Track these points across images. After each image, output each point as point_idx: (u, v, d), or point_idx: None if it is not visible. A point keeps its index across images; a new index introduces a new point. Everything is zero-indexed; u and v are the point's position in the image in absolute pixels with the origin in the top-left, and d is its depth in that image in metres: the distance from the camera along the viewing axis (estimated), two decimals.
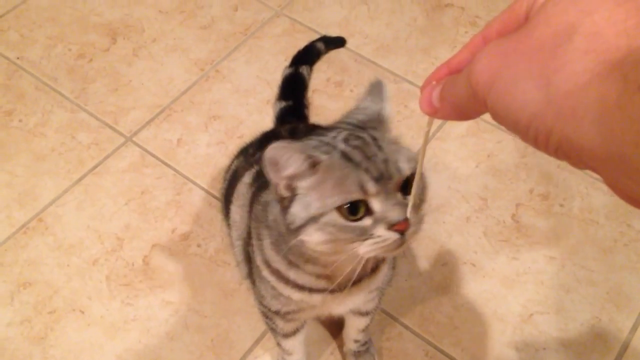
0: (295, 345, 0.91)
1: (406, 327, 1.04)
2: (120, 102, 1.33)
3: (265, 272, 0.73)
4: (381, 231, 0.56)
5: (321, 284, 0.70)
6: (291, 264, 0.69)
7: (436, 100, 0.38)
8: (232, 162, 1.05)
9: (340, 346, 1.02)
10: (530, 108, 0.30)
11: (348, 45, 1.42)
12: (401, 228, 0.56)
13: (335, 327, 1.04)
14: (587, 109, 0.28)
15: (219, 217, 1.15)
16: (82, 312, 1.05)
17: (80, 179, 1.21)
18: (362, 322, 0.92)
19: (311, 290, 0.71)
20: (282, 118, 1.20)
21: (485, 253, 1.12)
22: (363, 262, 0.62)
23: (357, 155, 0.57)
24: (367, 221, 0.57)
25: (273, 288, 0.74)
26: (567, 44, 0.29)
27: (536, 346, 1.02)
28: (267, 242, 0.70)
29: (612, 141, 0.27)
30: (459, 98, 0.36)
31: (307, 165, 0.58)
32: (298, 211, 0.59)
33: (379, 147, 0.58)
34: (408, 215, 0.56)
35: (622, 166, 0.27)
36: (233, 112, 1.32)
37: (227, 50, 1.42)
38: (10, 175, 1.22)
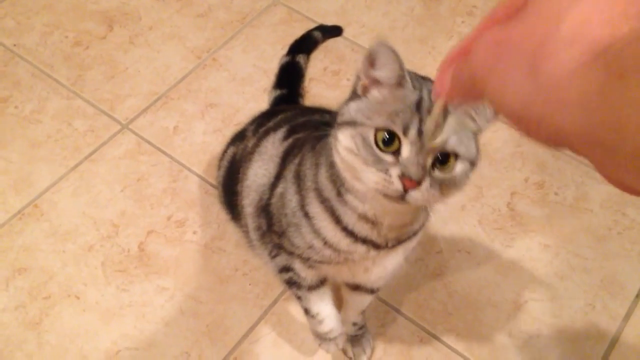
0: (323, 306, 0.88)
1: (401, 313, 1.04)
2: (116, 89, 1.33)
3: (317, 209, 0.73)
4: (393, 173, 0.59)
5: (365, 228, 0.71)
6: (339, 194, 0.70)
7: (448, 83, 0.39)
8: (227, 148, 1.05)
9: None
10: (521, 97, 0.31)
11: (345, 34, 1.42)
12: (407, 184, 0.58)
13: None
14: (572, 96, 0.29)
15: (215, 204, 1.16)
16: (78, 298, 1.05)
17: (76, 166, 1.21)
18: (366, 300, 0.93)
19: (356, 237, 0.72)
20: (277, 106, 1.20)
21: (480, 241, 1.12)
22: (393, 210, 0.66)
23: (425, 106, 0.59)
24: (389, 157, 0.59)
25: (315, 231, 0.74)
26: (555, 32, 0.30)
27: (530, 333, 1.03)
28: (323, 170, 0.72)
29: (595, 127, 0.28)
30: (466, 83, 0.37)
31: (395, 78, 0.61)
32: (352, 108, 0.63)
33: (445, 116, 0.59)
34: (423, 180, 0.58)
35: (606, 152, 0.28)
36: (229, 100, 1.32)
37: (224, 38, 1.42)
38: (6, 161, 1.22)
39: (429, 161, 0.59)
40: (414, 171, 0.58)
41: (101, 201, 1.17)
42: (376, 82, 0.63)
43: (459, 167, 0.60)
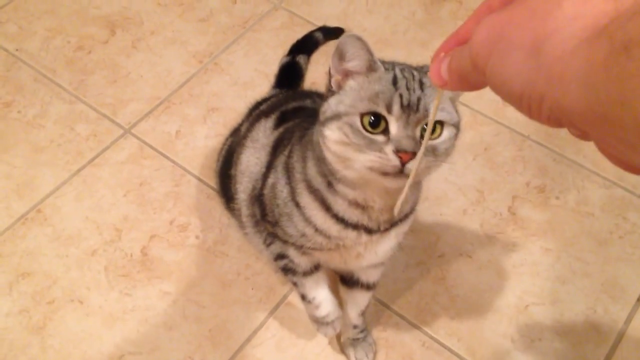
0: (319, 291, 0.90)
1: (403, 317, 1.05)
2: (118, 94, 1.33)
3: (308, 199, 0.75)
4: (388, 150, 0.62)
5: (355, 214, 0.73)
6: (330, 185, 0.73)
7: (445, 72, 0.40)
8: (226, 140, 1.07)
9: (339, 337, 1.02)
10: (523, 76, 0.31)
11: None
12: (405, 157, 0.61)
13: None
14: (574, 73, 0.29)
15: (217, 208, 1.16)
16: (81, 302, 1.06)
17: (78, 170, 1.22)
18: (364, 298, 0.94)
19: (347, 224, 0.74)
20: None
21: (481, 245, 1.13)
22: (385, 193, 0.69)
23: (401, 82, 0.64)
24: (380, 137, 0.63)
25: (306, 220, 0.76)
26: (557, 10, 0.30)
27: (532, 337, 1.03)
28: (311, 164, 0.74)
29: (599, 102, 0.28)
30: (465, 69, 0.37)
31: (366, 65, 0.65)
32: (332, 103, 0.67)
33: (421, 88, 0.64)
34: (417, 151, 0.61)
35: (609, 127, 0.28)
36: (231, 104, 1.32)
37: (226, 42, 1.43)
38: (9, 166, 1.22)
39: (417, 132, 0.63)
40: (406, 144, 0.61)
41: (104, 206, 1.17)
42: (349, 73, 0.66)
43: (445, 133, 0.65)
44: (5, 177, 1.21)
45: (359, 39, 0.64)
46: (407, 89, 0.63)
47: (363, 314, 0.97)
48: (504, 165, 1.23)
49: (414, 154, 0.61)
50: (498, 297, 1.07)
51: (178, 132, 1.28)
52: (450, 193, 1.19)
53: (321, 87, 1.34)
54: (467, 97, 1.32)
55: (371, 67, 0.65)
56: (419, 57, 1.40)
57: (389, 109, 0.62)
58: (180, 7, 1.49)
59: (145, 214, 1.16)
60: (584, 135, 0.32)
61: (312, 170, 0.74)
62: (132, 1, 1.50)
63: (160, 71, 1.37)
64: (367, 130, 0.63)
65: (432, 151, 0.64)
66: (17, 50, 1.40)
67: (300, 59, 1.33)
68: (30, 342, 1.02)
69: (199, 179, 1.21)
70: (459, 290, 1.08)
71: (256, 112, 1.02)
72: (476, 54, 0.34)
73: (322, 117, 0.68)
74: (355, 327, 0.98)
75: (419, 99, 0.63)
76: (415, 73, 0.66)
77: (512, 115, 1.29)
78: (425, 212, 1.16)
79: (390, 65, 0.66)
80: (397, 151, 0.61)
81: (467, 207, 1.17)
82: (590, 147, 1.21)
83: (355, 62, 0.65)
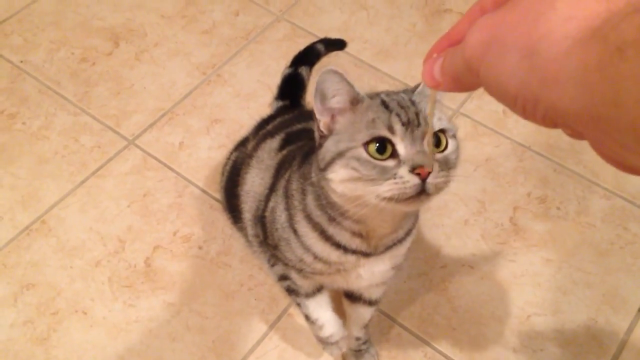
0: (322, 312, 0.90)
1: (405, 328, 1.05)
2: (122, 105, 1.35)
3: (306, 228, 0.75)
4: (403, 171, 0.59)
5: (356, 242, 0.73)
6: (331, 219, 0.72)
7: (438, 73, 0.39)
8: (230, 154, 1.07)
9: None
10: (517, 77, 0.31)
11: (348, 49, 1.44)
12: (423, 173, 0.58)
13: None
14: (569, 74, 0.29)
15: (220, 219, 1.17)
16: (85, 313, 1.07)
17: (83, 182, 1.23)
18: (367, 313, 0.94)
19: (346, 249, 0.74)
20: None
21: (483, 255, 1.14)
22: (392, 222, 0.69)
23: (393, 104, 0.62)
24: (390, 163, 0.60)
25: (304, 247, 0.75)
26: (550, 11, 0.30)
27: (533, 347, 1.04)
28: (310, 198, 0.73)
29: (594, 103, 0.28)
30: (458, 71, 0.37)
31: (350, 99, 0.63)
32: (329, 146, 0.64)
33: (413, 103, 0.63)
34: (432, 165, 0.59)
35: (604, 127, 0.28)
36: (234, 115, 1.33)
37: (229, 54, 1.44)
38: (13, 177, 1.23)
39: (426, 146, 0.60)
40: (420, 159, 0.59)
41: (108, 217, 1.18)
42: (335, 111, 0.65)
43: (450, 143, 0.64)
44: (10, 188, 1.22)
45: (336, 72, 0.62)
46: (401, 107, 0.62)
47: (366, 326, 0.97)
48: (505, 176, 1.24)
49: (431, 169, 0.58)
50: (500, 307, 1.08)
51: (181, 143, 1.29)
52: (451, 204, 1.20)
53: None
54: (468, 108, 1.33)
55: (355, 100, 0.63)
56: (420, 68, 1.41)
57: (391, 130, 0.60)
58: (184, 19, 1.51)
59: (149, 225, 1.17)
60: (578, 135, 0.33)
61: (311, 204, 0.73)
62: (135, 13, 1.51)
63: (164, 83, 1.39)
64: (375, 158, 0.60)
65: (445, 164, 0.62)
66: (21, 62, 1.41)
67: (303, 70, 1.34)
68: (34, 353, 1.02)
69: (202, 190, 1.22)
70: (461, 300, 1.08)
71: (262, 132, 1.02)
72: (470, 56, 0.34)
73: (321, 163, 0.65)
74: (358, 338, 0.98)
75: (417, 114, 0.61)
76: (403, 94, 0.65)
77: (513, 126, 1.30)
78: (427, 223, 1.17)
79: (372, 94, 0.65)
80: (413, 169, 0.58)
81: (468, 218, 1.18)
82: (590, 158, 1.22)
83: (338, 98, 0.64)
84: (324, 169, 0.64)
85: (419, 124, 0.60)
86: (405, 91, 0.66)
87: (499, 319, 1.06)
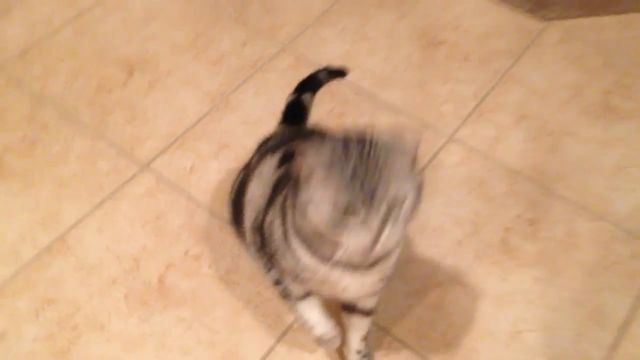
0: (312, 314, 0.98)
1: (403, 342, 1.12)
2: (137, 131, 1.43)
3: (295, 242, 0.83)
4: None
5: (344, 258, 0.79)
6: (320, 236, 0.78)
7: None
8: (238, 176, 1.16)
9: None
10: None
11: (349, 78, 1.52)
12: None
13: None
14: None
15: (228, 239, 1.24)
16: (102, 328, 1.13)
17: (100, 204, 1.30)
18: (364, 323, 1.02)
19: (333, 264, 0.80)
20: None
21: (476, 274, 1.20)
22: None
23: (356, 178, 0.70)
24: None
25: (295, 259, 0.83)
26: None
27: None
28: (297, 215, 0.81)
29: None
30: None
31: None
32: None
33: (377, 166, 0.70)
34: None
35: None
36: (242, 141, 1.41)
37: (237, 83, 1.53)
38: (34, 200, 1.31)
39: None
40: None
41: (123, 237, 1.26)
42: None
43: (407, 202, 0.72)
44: (31, 210, 1.29)
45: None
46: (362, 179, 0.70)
47: (365, 338, 1.04)
48: (496, 199, 1.31)
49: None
50: (492, 323, 1.14)
51: (192, 167, 1.37)
52: (446, 225, 1.27)
53: (326, 125, 1.43)
54: (464, 133, 1.41)
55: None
56: (417, 96, 1.49)
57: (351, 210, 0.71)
58: (194, 49, 1.60)
59: (162, 245, 1.25)
60: None
61: (299, 223, 0.81)
62: (148, 44, 1.61)
63: (176, 110, 1.47)
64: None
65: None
66: (42, 90, 1.50)
67: (305, 96, 1.42)
68: None
69: (212, 212, 1.29)
70: (456, 317, 1.15)
71: (265, 148, 1.11)
72: None
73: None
74: (358, 352, 1.05)
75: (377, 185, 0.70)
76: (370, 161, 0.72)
77: (504, 152, 1.38)
78: (423, 243, 1.24)
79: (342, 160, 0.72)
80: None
81: (462, 239, 1.25)
82: (577, 183, 1.30)
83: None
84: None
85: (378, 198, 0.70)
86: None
87: (491, 334, 1.13)
